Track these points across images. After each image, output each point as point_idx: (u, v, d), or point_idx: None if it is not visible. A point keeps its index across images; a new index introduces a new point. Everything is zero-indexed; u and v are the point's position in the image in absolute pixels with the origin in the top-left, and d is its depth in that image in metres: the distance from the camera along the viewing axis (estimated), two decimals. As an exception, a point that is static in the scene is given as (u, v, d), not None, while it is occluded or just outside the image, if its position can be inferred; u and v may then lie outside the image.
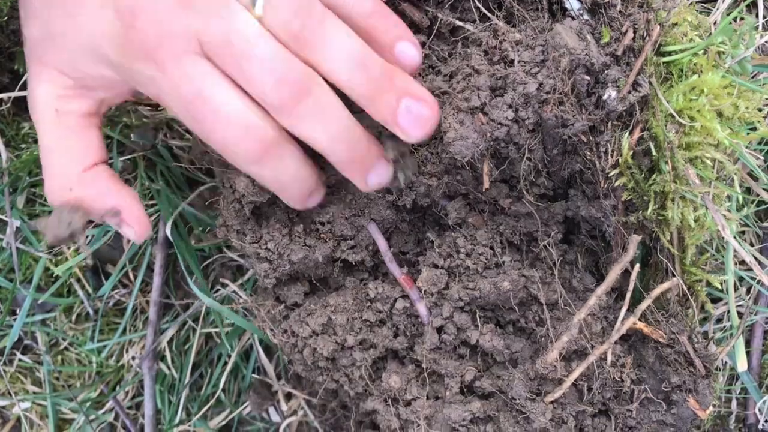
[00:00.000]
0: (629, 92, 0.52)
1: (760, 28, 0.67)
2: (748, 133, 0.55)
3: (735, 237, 0.54)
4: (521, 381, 0.58)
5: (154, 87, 0.50)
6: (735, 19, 0.61)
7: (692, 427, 0.59)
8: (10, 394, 0.89)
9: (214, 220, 0.82)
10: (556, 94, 0.53)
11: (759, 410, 0.72)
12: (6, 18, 0.78)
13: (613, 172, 0.55)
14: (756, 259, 0.72)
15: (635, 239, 0.57)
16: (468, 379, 0.62)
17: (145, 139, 0.83)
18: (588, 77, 0.53)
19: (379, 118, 0.53)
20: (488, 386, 0.61)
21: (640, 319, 0.58)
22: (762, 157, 0.66)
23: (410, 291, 0.64)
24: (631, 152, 0.54)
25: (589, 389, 0.58)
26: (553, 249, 0.63)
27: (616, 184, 0.56)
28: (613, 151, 0.54)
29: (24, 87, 0.76)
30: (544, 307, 0.61)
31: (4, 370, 0.89)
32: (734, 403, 0.74)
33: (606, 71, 0.53)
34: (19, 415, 0.90)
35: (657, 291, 0.57)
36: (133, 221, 0.58)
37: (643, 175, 0.55)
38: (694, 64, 0.53)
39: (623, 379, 0.58)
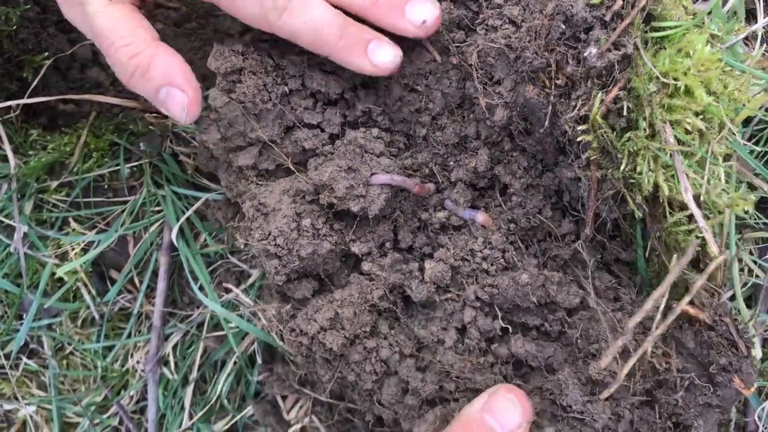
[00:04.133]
0: (609, 50, 0.53)
1: (760, 35, 0.68)
2: (737, 110, 0.56)
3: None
4: (576, 386, 0.58)
5: None
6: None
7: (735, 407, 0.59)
8: (16, 398, 0.90)
9: (217, 226, 0.82)
10: (533, 32, 0.56)
11: (758, 417, 0.72)
12: (15, 27, 0.79)
13: (580, 127, 0.55)
14: (756, 263, 0.72)
15: (695, 242, 0.56)
16: None
17: (152, 147, 0.84)
18: (564, 26, 0.54)
19: None
20: (537, 402, 0.61)
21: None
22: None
23: (425, 192, 0.66)
24: (605, 111, 0.54)
25: (632, 381, 0.58)
26: (584, 248, 0.63)
27: (579, 139, 0.56)
28: (583, 107, 0.55)
29: (32, 95, 0.77)
30: (591, 288, 0.61)
31: (11, 374, 0.90)
32: (734, 409, 0.75)
33: (590, 31, 0.54)
34: (25, 419, 0.91)
35: (711, 267, 0.56)
36: (187, 85, 0.60)
37: (615, 133, 0.55)
38: (688, 42, 0.53)
39: (670, 368, 0.58)
